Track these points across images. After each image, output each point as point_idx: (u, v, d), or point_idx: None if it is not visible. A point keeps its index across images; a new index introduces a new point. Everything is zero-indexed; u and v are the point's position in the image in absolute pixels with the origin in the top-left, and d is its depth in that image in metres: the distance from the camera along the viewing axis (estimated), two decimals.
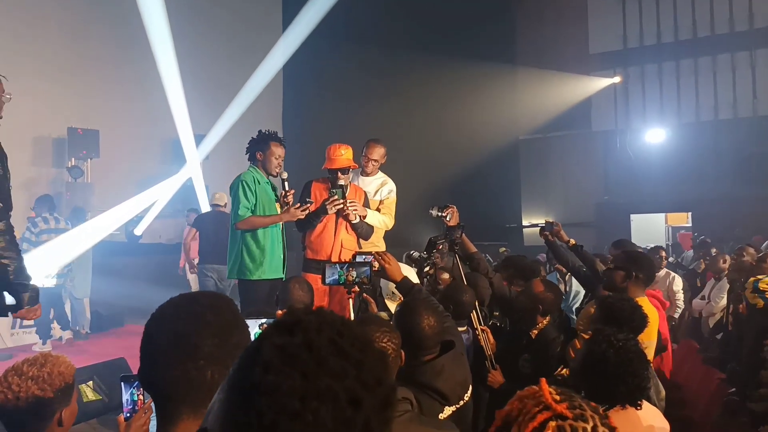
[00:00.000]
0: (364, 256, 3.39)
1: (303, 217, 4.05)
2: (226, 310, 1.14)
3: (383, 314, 3.07)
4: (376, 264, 2.76)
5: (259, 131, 4.21)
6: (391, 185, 4.78)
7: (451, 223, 3.79)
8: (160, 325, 1.10)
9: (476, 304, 3.23)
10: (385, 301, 3.10)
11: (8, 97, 2.94)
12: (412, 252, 3.75)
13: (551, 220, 4.14)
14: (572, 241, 3.96)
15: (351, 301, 3.21)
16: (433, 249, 3.62)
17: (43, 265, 6.56)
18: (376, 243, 4.67)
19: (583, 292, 4.55)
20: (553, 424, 1.00)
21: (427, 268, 3.60)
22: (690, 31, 12.99)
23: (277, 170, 4.15)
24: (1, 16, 8.64)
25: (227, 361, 1.07)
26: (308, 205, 4.05)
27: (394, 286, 3.16)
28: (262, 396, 0.61)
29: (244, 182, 4.02)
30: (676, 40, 13.12)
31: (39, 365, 1.89)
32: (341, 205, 4.11)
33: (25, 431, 1.86)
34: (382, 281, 3.23)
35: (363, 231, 4.31)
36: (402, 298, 2.84)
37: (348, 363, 0.63)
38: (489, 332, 3.27)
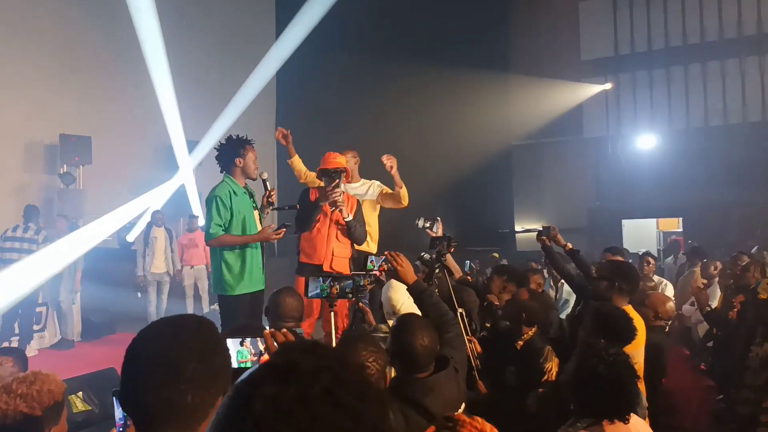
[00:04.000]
0: (372, 257, 3.34)
1: (276, 240, 3.98)
2: (208, 333, 1.14)
3: (383, 327, 3.05)
4: (385, 266, 2.69)
5: (230, 137, 4.08)
6: (377, 182, 5.06)
7: (438, 234, 3.81)
8: (143, 348, 1.10)
9: (462, 314, 3.23)
10: (386, 318, 3.07)
11: None
12: (423, 254, 3.74)
13: (548, 225, 4.16)
14: (569, 245, 3.99)
15: (333, 314, 3.16)
16: (446, 252, 3.61)
17: (28, 275, 6.52)
18: (369, 243, 4.83)
19: (572, 300, 4.57)
20: None
21: (437, 270, 3.60)
22: (680, 39, 13.11)
23: (257, 173, 4.06)
24: None
25: (209, 384, 1.08)
26: (283, 229, 3.94)
27: (398, 304, 3.13)
28: None
29: (218, 198, 3.86)
30: (667, 47, 13.25)
31: (28, 383, 1.86)
32: (340, 196, 4.14)
33: None
34: (384, 298, 3.20)
35: (356, 232, 4.31)
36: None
37: (345, 415, 0.60)
38: (476, 342, 3.27)
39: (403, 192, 4.85)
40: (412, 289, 2.66)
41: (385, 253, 2.74)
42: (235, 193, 3.93)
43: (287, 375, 0.62)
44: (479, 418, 1.17)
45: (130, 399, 1.09)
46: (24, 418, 1.81)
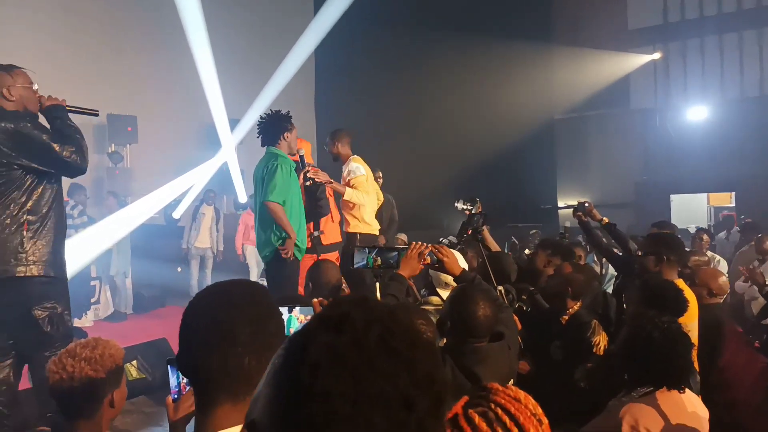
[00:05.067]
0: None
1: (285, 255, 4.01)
2: (261, 299, 1.16)
3: (435, 299, 3.06)
4: (429, 259, 2.69)
5: (274, 112, 4.17)
6: (351, 166, 4.99)
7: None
8: (199, 313, 1.12)
9: (502, 292, 3.20)
10: (437, 289, 3.08)
11: (36, 87, 3.09)
12: (441, 239, 3.75)
13: (583, 200, 4.16)
14: (605, 220, 4.00)
15: (378, 285, 3.17)
16: (464, 235, 3.62)
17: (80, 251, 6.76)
18: (368, 222, 4.98)
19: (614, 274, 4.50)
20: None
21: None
22: (734, 4, 12.47)
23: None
24: (41, 6, 8.85)
25: (264, 348, 1.09)
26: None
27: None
28: (311, 400, 0.59)
29: (285, 167, 3.94)
30: (720, 13, 12.62)
31: (91, 347, 1.94)
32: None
33: (79, 412, 1.91)
34: (433, 269, 3.20)
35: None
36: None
37: (399, 362, 0.61)
38: (516, 319, 3.23)
39: (349, 195, 4.82)
40: (459, 280, 2.65)
41: (430, 246, 2.72)
42: (291, 166, 4.05)
43: (340, 324, 0.63)
44: (513, 387, 1.16)
45: (189, 364, 1.12)
46: (89, 380, 1.89)
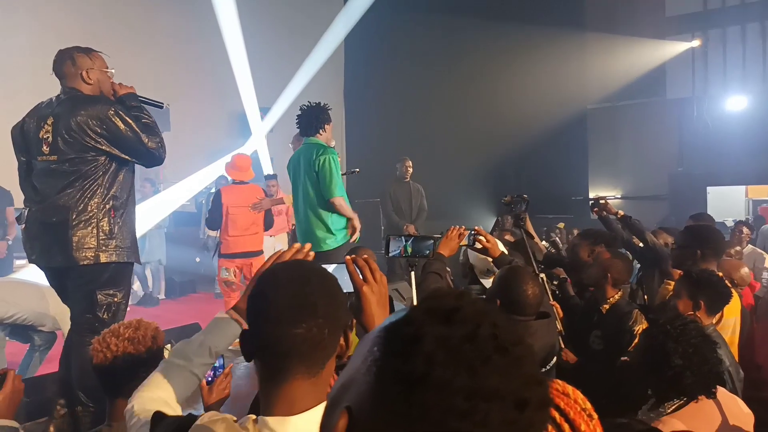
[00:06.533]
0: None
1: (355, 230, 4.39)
2: (327, 273, 1.22)
3: (476, 287, 3.07)
4: (465, 241, 2.76)
5: (318, 104, 4.38)
6: None
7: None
8: (278, 288, 1.16)
9: (543, 279, 3.17)
10: (479, 278, 3.09)
11: (112, 72, 3.11)
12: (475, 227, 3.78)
13: (597, 196, 4.35)
14: (620, 213, 4.09)
15: (413, 274, 3.20)
16: (524, 217, 3.71)
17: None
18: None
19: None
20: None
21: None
22: None
23: None
24: None
25: (337, 319, 1.16)
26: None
27: (490, 262, 3.14)
28: (428, 391, 0.58)
29: (336, 159, 4.19)
30: None
31: (134, 328, 1.99)
32: None
33: (120, 390, 1.95)
34: (475, 258, 3.22)
35: None
36: None
37: (510, 360, 0.60)
38: (558, 307, 3.20)
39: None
40: (498, 263, 2.76)
41: (475, 228, 2.79)
42: (338, 158, 4.31)
43: (451, 317, 0.62)
44: (560, 381, 1.13)
45: (269, 337, 1.14)
46: (132, 359, 1.93)
